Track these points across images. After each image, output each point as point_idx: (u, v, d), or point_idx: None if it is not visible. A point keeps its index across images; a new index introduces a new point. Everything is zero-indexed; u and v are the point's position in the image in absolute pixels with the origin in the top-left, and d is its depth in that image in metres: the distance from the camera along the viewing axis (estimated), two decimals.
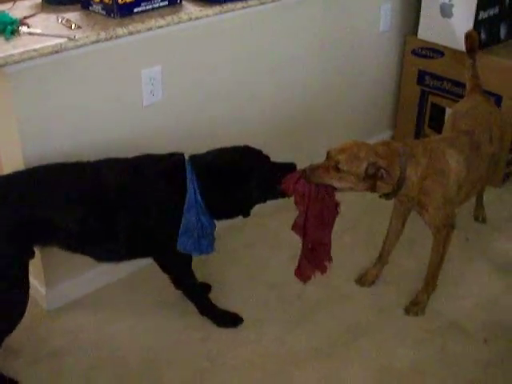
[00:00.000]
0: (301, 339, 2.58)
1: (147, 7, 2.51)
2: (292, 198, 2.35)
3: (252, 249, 3.07)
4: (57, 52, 2.26)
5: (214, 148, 2.45)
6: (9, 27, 2.28)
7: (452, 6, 3.41)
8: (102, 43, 2.38)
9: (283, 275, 2.85)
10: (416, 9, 3.67)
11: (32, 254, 2.27)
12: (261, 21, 2.98)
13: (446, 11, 3.45)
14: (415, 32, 3.68)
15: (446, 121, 2.94)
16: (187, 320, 2.63)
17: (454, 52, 3.44)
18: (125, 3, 2.43)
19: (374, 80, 3.75)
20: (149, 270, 2.78)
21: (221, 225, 2.50)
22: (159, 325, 2.63)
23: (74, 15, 2.48)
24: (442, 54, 3.57)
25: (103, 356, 2.48)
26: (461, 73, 3.12)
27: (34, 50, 2.20)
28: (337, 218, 2.39)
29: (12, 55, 2.15)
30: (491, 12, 3.43)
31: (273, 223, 3.19)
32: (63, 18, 2.42)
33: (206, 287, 2.75)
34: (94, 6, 2.48)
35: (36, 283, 2.64)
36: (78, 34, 2.30)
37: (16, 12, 2.45)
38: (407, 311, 2.72)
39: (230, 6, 2.71)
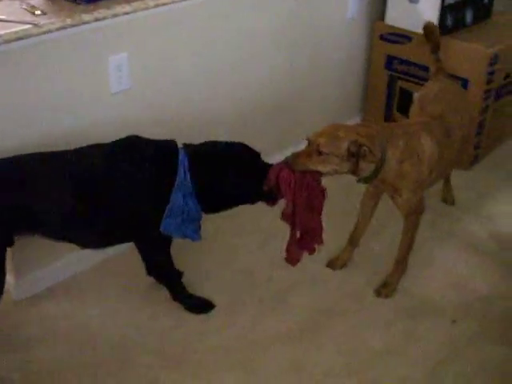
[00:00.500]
0: (272, 324, 2.60)
1: None
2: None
3: (222, 236, 3.06)
4: (21, 39, 2.24)
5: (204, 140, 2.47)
6: None
7: None
8: (68, 29, 2.35)
9: (254, 261, 2.87)
10: None
11: (11, 243, 2.25)
12: (228, 7, 2.96)
13: None
14: (383, 18, 3.70)
15: (412, 105, 2.96)
16: (159, 307, 2.63)
17: (422, 37, 3.45)
18: None
19: (343, 66, 3.76)
20: (119, 258, 2.78)
21: None
22: (130, 312, 2.63)
23: (38, 1, 2.44)
24: (410, 38, 3.60)
25: (75, 344, 2.47)
26: (428, 57, 3.15)
27: None
28: None
29: None
30: None
31: (243, 210, 3.19)
32: (28, 4, 2.39)
33: (178, 274, 2.75)
34: None
35: None
36: (43, 21, 2.28)
37: None
38: (378, 293, 2.74)
39: None
